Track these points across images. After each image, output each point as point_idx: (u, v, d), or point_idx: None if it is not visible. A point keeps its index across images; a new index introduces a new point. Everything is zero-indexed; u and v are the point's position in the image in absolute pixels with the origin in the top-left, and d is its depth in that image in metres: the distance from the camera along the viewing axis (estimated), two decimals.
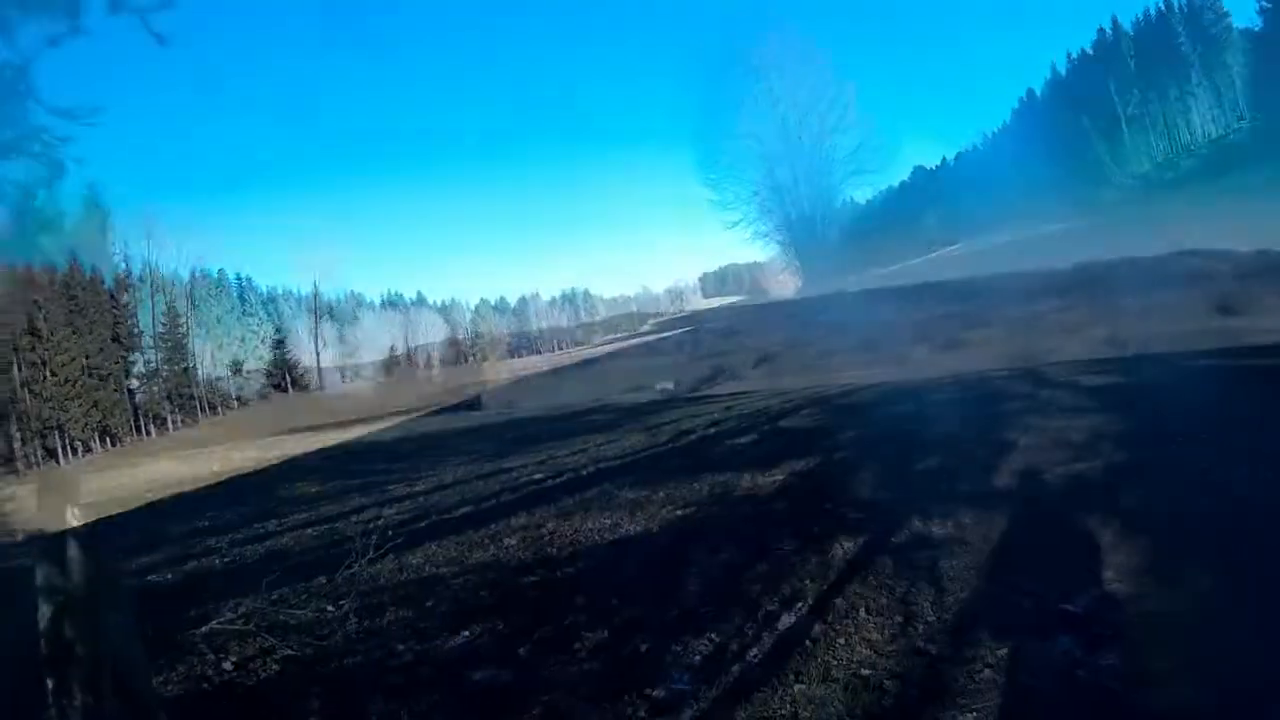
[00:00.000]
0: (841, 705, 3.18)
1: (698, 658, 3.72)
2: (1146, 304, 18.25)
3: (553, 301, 47.63)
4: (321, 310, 40.48)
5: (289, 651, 3.79)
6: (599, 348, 43.81)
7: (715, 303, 48.92)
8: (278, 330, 39.35)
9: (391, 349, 42.65)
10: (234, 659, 3.79)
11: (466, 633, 4.06)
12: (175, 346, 36.09)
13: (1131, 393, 9.61)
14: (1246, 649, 3.08)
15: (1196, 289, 18.43)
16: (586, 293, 48.18)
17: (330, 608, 4.46)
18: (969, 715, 2.96)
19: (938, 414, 10.51)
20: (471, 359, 44.40)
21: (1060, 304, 21.66)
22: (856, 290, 34.23)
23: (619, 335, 46.63)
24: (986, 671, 3.24)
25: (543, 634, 3.96)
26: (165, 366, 35.51)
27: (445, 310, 45.06)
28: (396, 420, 23.63)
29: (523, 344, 45.88)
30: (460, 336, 44.66)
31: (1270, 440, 6.05)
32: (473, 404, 38.19)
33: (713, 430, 11.68)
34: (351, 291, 54.72)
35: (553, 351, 44.73)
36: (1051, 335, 17.99)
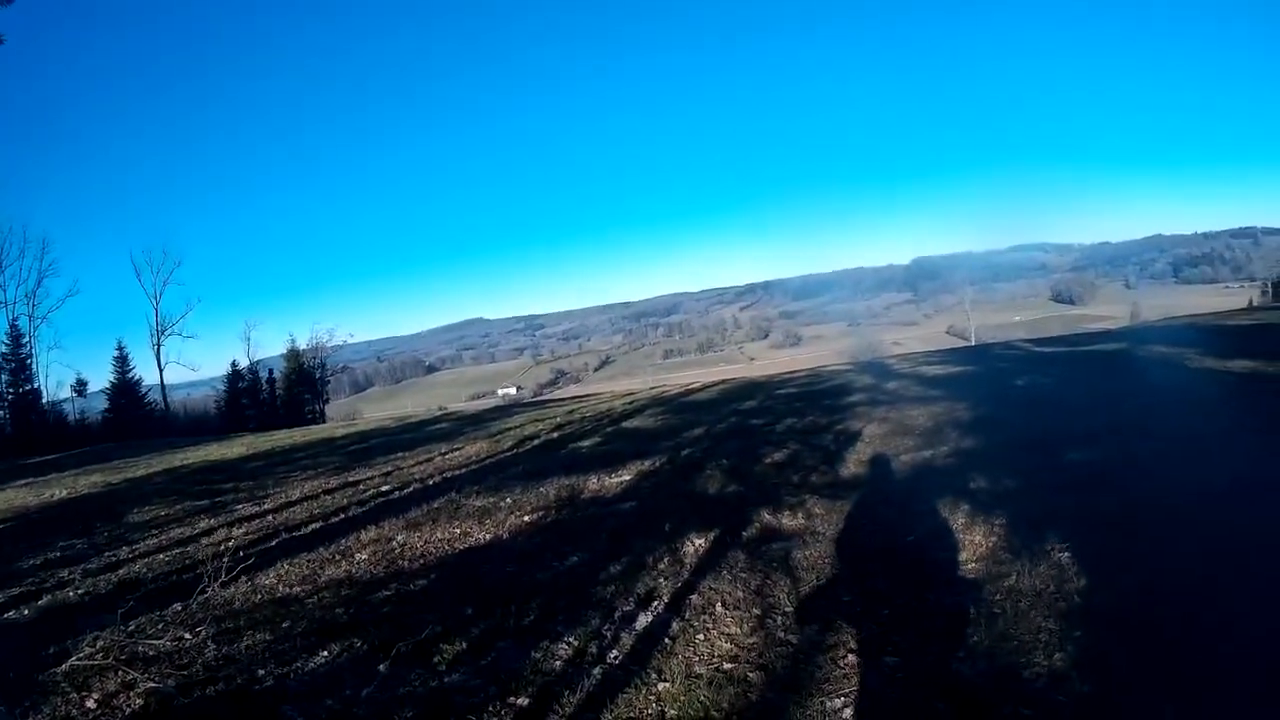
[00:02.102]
0: (707, 700, 3.07)
1: (558, 663, 3.49)
2: None
3: None
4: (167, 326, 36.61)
5: (151, 684, 3.62)
6: None
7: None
8: (119, 346, 35.07)
9: (233, 364, 39.20)
10: (97, 696, 3.60)
11: (325, 652, 3.89)
12: (19, 368, 31.55)
13: None
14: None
15: None
16: None
17: (188, 635, 4.29)
18: (838, 700, 2.95)
19: (783, 409, 11.04)
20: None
21: None
22: None
23: None
24: (851, 657, 3.27)
25: (401, 649, 3.80)
26: (10, 390, 31.13)
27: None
28: (242, 436, 21.86)
29: None
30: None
31: None
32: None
33: (556, 435, 11.48)
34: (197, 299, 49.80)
35: None
36: None
